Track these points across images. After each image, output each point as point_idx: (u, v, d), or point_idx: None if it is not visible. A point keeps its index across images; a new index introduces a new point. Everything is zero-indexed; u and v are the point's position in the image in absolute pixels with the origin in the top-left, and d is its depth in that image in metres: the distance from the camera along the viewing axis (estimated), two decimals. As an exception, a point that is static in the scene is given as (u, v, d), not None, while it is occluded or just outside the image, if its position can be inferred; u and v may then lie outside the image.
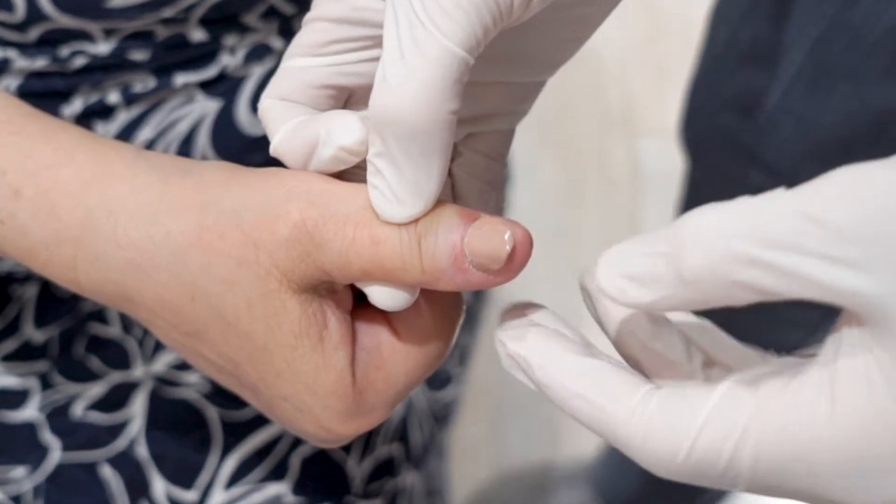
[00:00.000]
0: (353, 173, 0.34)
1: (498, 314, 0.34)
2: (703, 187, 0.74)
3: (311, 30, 0.34)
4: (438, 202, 0.32)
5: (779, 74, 0.59)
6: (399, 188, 0.31)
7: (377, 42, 0.34)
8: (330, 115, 0.33)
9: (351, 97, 0.36)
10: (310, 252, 0.33)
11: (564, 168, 1.37)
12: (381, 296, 0.34)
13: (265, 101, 0.35)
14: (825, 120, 0.56)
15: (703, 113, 0.70)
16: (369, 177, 0.32)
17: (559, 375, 0.30)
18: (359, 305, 0.36)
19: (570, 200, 1.35)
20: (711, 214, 0.26)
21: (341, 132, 0.32)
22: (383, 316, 0.36)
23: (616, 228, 1.32)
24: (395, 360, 0.36)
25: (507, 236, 0.31)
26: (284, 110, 0.34)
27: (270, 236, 0.33)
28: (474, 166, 0.36)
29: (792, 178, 0.60)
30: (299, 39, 0.34)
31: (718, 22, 0.69)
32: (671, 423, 0.28)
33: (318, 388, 0.35)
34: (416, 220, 0.32)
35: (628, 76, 1.40)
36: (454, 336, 0.37)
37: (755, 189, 0.34)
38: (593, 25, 0.35)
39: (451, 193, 0.36)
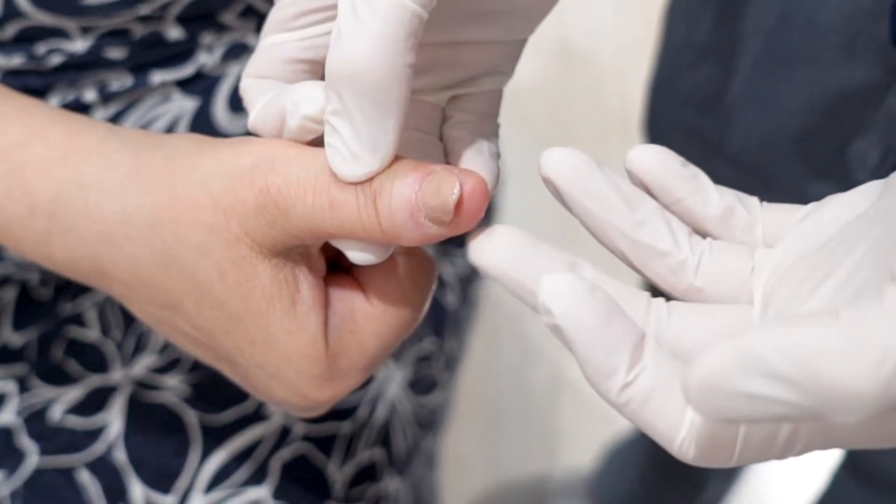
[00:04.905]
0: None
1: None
2: None
3: (280, 6, 0.35)
4: (395, 159, 0.32)
5: (738, 66, 0.59)
6: (355, 145, 0.31)
7: None
8: (297, 87, 0.34)
9: None
10: (276, 218, 0.33)
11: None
12: (354, 252, 0.34)
13: (244, 80, 0.35)
14: (786, 106, 0.56)
15: (664, 111, 0.70)
16: (326, 136, 0.32)
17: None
18: (332, 272, 0.37)
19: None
20: (851, 365, 0.23)
21: (305, 102, 0.33)
22: (356, 282, 0.37)
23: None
24: (367, 325, 0.36)
25: (455, 186, 0.31)
26: (261, 87, 0.35)
27: (239, 204, 0.33)
28: (465, 125, 0.36)
29: (756, 169, 0.60)
30: (271, 17, 0.35)
31: (674, 19, 0.69)
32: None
33: (292, 352, 0.35)
34: (371, 179, 0.32)
35: (626, 78, 1.39)
36: (426, 303, 0.37)
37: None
38: None
39: (442, 155, 0.36)
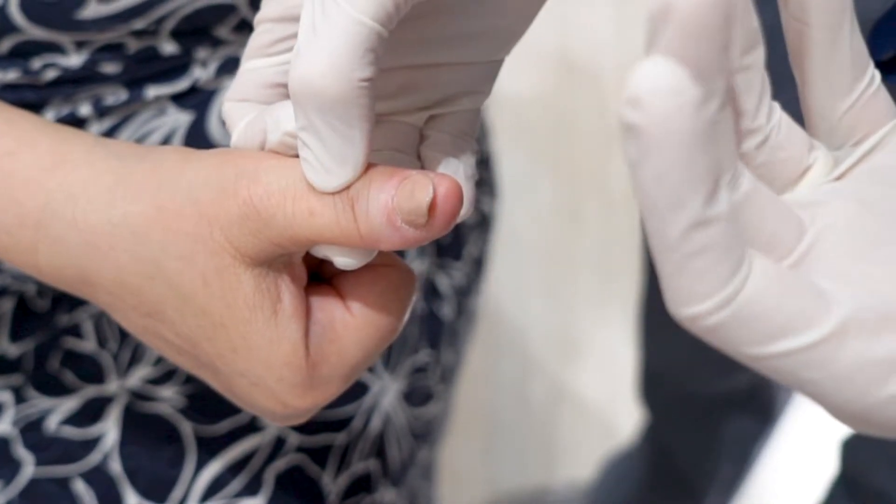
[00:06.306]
0: None
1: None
2: None
3: (258, 32, 0.35)
4: (369, 166, 0.33)
5: None
6: (325, 158, 0.32)
7: None
8: (277, 105, 0.34)
9: None
10: (259, 228, 0.34)
11: (562, 187, 1.37)
12: (337, 258, 0.35)
13: (225, 104, 0.36)
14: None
15: None
16: (299, 150, 0.33)
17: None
18: (313, 282, 0.37)
19: (569, 220, 1.35)
20: None
21: (286, 119, 0.34)
22: (336, 292, 0.37)
23: (615, 249, 1.32)
24: (347, 334, 0.37)
25: (429, 188, 0.32)
26: (242, 110, 0.36)
27: (224, 213, 0.34)
28: (442, 145, 0.37)
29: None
30: (251, 42, 0.36)
31: None
32: None
33: (273, 360, 0.35)
34: (348, 187, 0.33)
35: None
36: (406, 312, 0.38)
37: None
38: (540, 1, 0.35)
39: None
